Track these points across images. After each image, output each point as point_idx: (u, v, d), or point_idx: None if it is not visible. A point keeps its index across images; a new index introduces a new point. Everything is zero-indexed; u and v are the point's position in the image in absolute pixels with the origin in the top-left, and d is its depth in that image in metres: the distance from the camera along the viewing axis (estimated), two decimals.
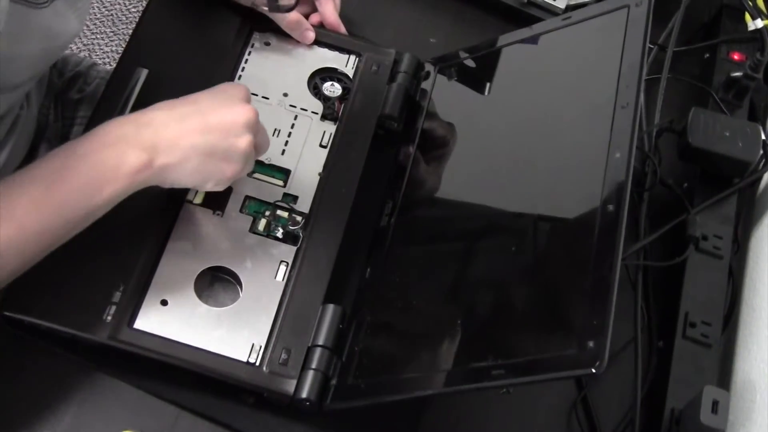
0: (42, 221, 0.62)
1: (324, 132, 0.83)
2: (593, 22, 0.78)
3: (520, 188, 0.75)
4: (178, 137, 0.66)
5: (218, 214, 0.77)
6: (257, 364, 0.70)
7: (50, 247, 0.64)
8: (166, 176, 0.67)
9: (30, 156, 0.93)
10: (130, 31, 0.99)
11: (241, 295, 0.73)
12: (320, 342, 0.71)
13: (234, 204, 0.77)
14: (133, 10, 1.83)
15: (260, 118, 0.81)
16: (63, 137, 0.97)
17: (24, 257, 0.63)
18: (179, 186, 0.69)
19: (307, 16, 0.87)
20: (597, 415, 0.78)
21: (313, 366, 0.70)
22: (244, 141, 0.68)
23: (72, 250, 0.66)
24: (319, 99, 0.84)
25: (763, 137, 0.85)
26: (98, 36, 1.79)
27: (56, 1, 0.73)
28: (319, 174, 0.80)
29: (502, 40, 0.85)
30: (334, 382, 0.70)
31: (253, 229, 0.77)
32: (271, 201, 0.78)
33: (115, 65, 0.84)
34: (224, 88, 0.72)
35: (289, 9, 0.80)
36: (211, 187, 0.70)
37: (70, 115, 0.97)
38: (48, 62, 0.88)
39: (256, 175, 0.79)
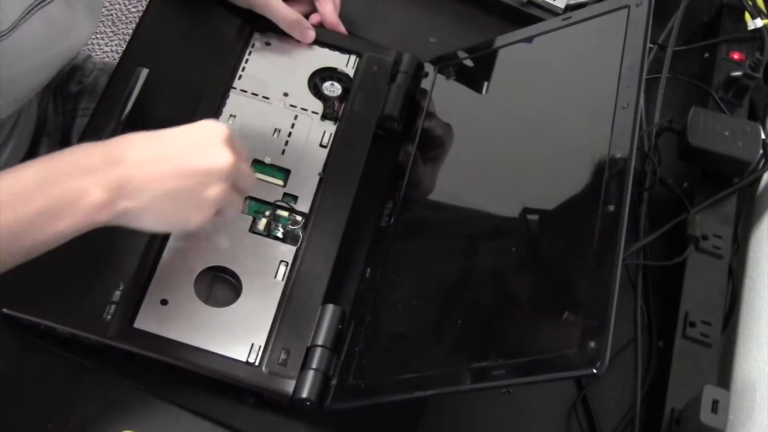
0: (8, 232, 0.59)
1: (324, 132, 0.83)
2: (593, 23, 0.78)
3: (520, 188, 0.75)
4: (147, 181, 0.62)
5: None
6: (256, 364, 0.70)
7: (16, 256, 0.61)
8: (128, 219, 0.63)
9: (32, 150, 0.93)
10: (130, 31, 0.99)
11: (240, 294, 0.73)
12: (320, 342, 0.71)
13: None
14: (133, 10, 1.83)
15: (261, 117, 0.82)
16: (64, 129, 0.97)
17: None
18: (141, 229, 0.66)
19: (306, 16, 0.87)
20: (597, 415, 0.78)
21: (313, 366, 0.70)
22: (216, 189, 0.64)
23: (72, 249, 0.66)
24: (319, 99, 0.84)
25: (763, 137, 0.85)
26: (98, 36, 1.79)
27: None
28: (319, 174, 0.80)
29: (502, 40, 0.85)
30: (334, 382, 0.70)
31: (253, 229, 0.77)
32: (271, 201, 0.78)
33: (115, 65, 0.84)
34: (204, 128, 0.66)
35: None
36: (176, 232, 0.69)
37: (71, 107, 0.97)
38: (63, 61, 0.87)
39: (256, 174, 0.79)
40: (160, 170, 0.63)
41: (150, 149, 0.64)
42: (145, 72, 0.81)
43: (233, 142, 0.66)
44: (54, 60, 0.81)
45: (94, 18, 0.83)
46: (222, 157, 0.64)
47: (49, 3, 0.73)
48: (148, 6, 0.87)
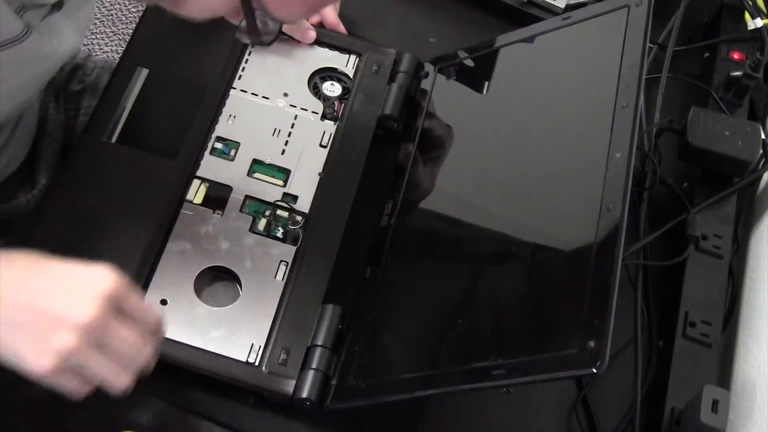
0: None
1: (324, 132, 0.83)
2: (593, 22, 0.78)
3: (521, 188, 0.75)
4: None
5: (218, 214, 0.77)
6: (256, 364, 0.70)
7: None
8: None
9: (33, 151, 0.93)
10: (130, 31, 0.99)
11: (240, 294, 0.73)
12: (320, 342, 0.71)
13: (234, 204, 0.77)
14: (133, 10, 1.83)
15: (261, 117, 0.82)
16: (66, 129, 0.97)
17: None
18: None
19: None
20: (597, 414, 0.78)
21: (313, 366, 0.70)
22: (63, 340, 0.56)
23: (71, 249, 0.66)
24: (319, 99, 0.84)
25: (763, 136, 0.85)
26: (98, 36, 1.79)
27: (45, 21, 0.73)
28: (319, 174, 0.80)
29: (502, 39, 0.85)
30: (334, 382, 0.70)
31: (253, 229, 0.77)
32: (271, 201, 0.78)
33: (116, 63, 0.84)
34: (90, 273, 0.59)
35: (270, 43, 0.77)
36: (18, 367, 0.59)
37: (73, 106, 0.97)
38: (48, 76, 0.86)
39: (256, 174, 0.79)
40: (7, 296, 0.57)
41: (13, 272, 0.58)
42: (145, 72, 0.81)
43: (120, 300, 0.58)
44: (36, 79, 0.81)
45: (81, 33, 0.83)
46: (83, 309, 0.56)
47: (17, 44, 0.71)
48: (148, 6, 0.86)
